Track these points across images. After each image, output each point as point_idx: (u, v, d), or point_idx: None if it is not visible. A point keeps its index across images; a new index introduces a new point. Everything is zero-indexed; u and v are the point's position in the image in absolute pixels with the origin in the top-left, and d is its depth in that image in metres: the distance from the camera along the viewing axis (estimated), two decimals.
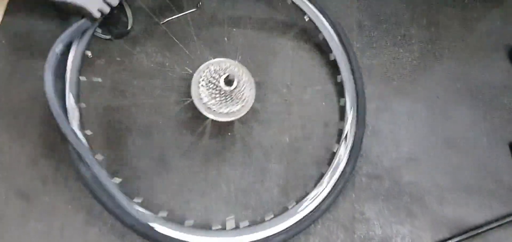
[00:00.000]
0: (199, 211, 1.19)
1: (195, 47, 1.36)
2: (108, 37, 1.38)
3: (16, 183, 1.19)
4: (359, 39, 1.43)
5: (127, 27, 1.40)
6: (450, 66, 1.41)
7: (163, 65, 1.36)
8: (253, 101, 1.22)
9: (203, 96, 1.19)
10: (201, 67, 1.23)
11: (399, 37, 1.45)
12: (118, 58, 1.36)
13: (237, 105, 1.19)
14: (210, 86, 1.20)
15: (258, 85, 1.33)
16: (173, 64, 1.35)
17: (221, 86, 1.18)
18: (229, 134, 1.28)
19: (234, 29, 1.42)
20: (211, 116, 1.18)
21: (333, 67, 1.35)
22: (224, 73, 1.19)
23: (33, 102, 1.28)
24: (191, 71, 1.25)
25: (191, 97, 1.19)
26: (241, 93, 1.21)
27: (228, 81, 1.18)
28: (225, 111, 1.18)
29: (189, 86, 1.20)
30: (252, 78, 1.24)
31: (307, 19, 1.34)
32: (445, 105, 1.34)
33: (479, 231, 1.18)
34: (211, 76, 1.21)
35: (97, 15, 1.22)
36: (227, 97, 1.19)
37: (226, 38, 1.39)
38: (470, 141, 1.30)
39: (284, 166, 1.25)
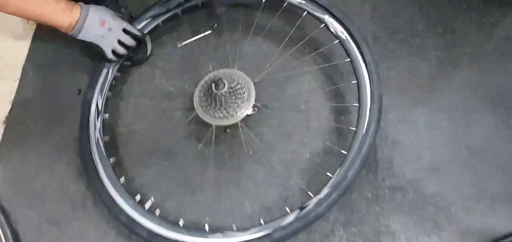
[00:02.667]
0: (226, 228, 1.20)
1: (211, 67, 1.39)
2: (128, 63, 1.42)
3: (47, 210, 1.23)
4: (375, 51, 1.43)
5: (147, 52, 1.44)
6: (469, 73, 1.40)
7: (183, 88, 1.39)
8: (253, 101, 1.23)
9: (203, 105, 1.23)
10: (201, 81, 1.27)
11: (415, 46, 1.45)
12: (138, 83, 1.40)
13: (237, 107, 1.21)
14: (206, 94, 1.22)
15: (277, 101, 1.36)
16: (192, 85, 1.38)
17: (213, 90, 1.19)
18: (250, 152, 1.29)
19: (250, 48, 1.44)
20: (213, 122, 1.22)
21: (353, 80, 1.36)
22: (215, 78, 1.21)
23: (60, 130, 1.33)
24: None
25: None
26: (237, 94, 1.22)
27: (218, 85, 1.19)
28: (225, 115, 1.21)
29: None
30: (249, 80, 1.26)
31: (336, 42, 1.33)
32: (466, 113, 1.33)
33: (509, 239, 1.16)
34: (206, 85, 1.24)
35: (110, 55, 1.27)
36: (222, 101, 1.21)
37: (229, 57, 1.41)
38: (494, 148, 1.28)
39: (306, 182, 1.26)
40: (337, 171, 1.15)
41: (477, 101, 1.35)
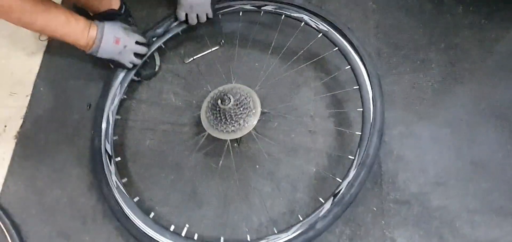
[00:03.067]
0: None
1: (218, 82, 1.42)
2: (137, 79, 1.45)
3: (57, 224, 1.25)
4: (379, 67, 1.46)
5: (155, 68, 1.47)
6: (472, 88, 1.43)
7: (191, 102, 1.41)
8: (259, 112, 1.26)
9: (212, 123, 1.25)
10: (204, 103, 1.30)
11: (418, 62, 1.47)
12: (147, 99, 1.43)
13: (243, 120, 1.24)
14: (213, 109, 1.25)
15: (283, 116, 1.38)
16: (200, 99, 1.41)
17: (219, 106, 1.22)
18: (257, 166, 1.31)
19: (256, 64, 1.47)
20: (226, 137, 1.24)
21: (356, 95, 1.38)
22: (220, 95, 1.24)
23: (70, 145, 1.35)
24: None
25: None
26: (243, 108, 1.25)
27: (223, 100, 1.22)
28: (237, 127, 1.23)
29: None
30: (253, 92, 1.29)
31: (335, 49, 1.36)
32: (470, 128, 1.35)
33: None
34: (212, 101, 1.27)
35: (129, 66, 1.32)
36: (228, 115, 1.23)
37: (232, 71, 1.44)
38: (498, 162, 1.30)
39: (312, 196, 1.28)
40: (357, 151, 1.19)
41: (480, 115, 1.37)
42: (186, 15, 1.37)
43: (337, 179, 1.23)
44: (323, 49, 1.42)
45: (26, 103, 1.43)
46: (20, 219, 1.26)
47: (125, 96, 1.41)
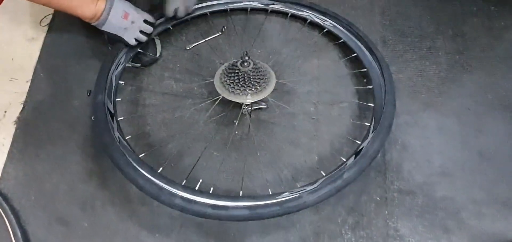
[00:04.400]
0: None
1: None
2: (138, 65, 1.43)
3: (56, 211, 1.24)
4: (384, 54, 1.43)
5: (156, 54, 1.45)
6: (480, 77, 1.39)
7: (192, 89, 1.39)
8: (274, 82, 1.26)
9: (225, 84, 1.25)
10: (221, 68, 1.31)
11: (425, 50, 1.44)
12: (147, 85, 1.41)
13: (260, 85, 1.24)
14: (230, 73, 1.25)
15: (286, 103, 1.36)
16: (201, 87, 1.39)
17: (239, 67, 1.23)
18: (258, 153, 1.29)
19: (259, 51, 1.45)
20: (240, 100, 1.24)
21: (361, 84, 1.36)
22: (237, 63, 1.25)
23: (70, 131, 1.34)
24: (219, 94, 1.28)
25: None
26: (261, 74, 1.25)
27: (244, 63, 1.24)
28: (255, 91, 1.23)
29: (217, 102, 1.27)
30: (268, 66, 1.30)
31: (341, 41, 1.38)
32: (477, 118, 1.32)
33: None
34: (231, 65, 1.27)
35: (133, 43, 1.31)
36: (246, 77, 1.23)
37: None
38: (506, 153, 1.27)
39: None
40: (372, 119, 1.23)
41: (488, 105, 1.34)
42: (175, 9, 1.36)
43: (356, 141, 1.25)
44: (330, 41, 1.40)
45: (26, 89, 1.41)
46: (19, 205, 1.24)
47: (129, 65, 1.40)
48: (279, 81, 1.32)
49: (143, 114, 1.36)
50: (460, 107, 1.34)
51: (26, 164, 1.31)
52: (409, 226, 1.19)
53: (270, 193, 1.13)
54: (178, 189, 1.08)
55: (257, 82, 1.24)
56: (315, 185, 1.10)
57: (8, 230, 1.20)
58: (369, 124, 1.24)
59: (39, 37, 1.52)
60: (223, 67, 1.29)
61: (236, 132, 1.32)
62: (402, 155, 1.28)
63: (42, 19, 1.54)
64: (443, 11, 1.51)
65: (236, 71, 1.24)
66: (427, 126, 1.32)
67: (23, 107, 1.39)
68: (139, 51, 1.40)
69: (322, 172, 1.20)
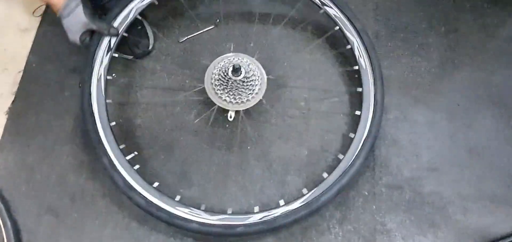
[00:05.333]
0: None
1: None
2: (130, 57, 1.43)
3: (46, 200, 1.24)
4: (376, 49, 1.43)
5: (148, 46, 1.45)
6: (471, 73, 1.40)
7: (183, 82, 1.39)
8: (265, 74, 1.27)
9: (215, 86, 1.24)
10: (215, 60, 1.29)
11: (417, 45, 1.44)
12: (140, 78, 1.41)
13: (255, 86, 1.24)
14: (221, 77, 1.24)
15: (277, 97, 1.36)
16: (193, 80, 1.39)
17: (230, 76, 1.22)
18: (249, 147, 1.30)
19: (252, 44, 1.45)
20: (222, 105, 1.24)
21: (352, 78, 1.36)
22: (228, 67, 1.24)
23: (62, 122, 1.34)
24: None
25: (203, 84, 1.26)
26: (252, 73, 1.25)
27: (235, 71, 1.22)
28: (250, 96, 1.24)
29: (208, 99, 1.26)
30: (251, 58, 1.29)
31: (336, 28, 1.36)
32: (467, 114, 1.33)
33: (506, 241, 1.16)
34: (221, 68, 1.26)
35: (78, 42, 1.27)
36: (236, 85, 1.23)
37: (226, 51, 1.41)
38: (494, 149, 1.27)
39: (303, 179, 1.26)
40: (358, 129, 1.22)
41: (478, 102, 1.34)
42: None
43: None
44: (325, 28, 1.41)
45: (18, 80, 1.42)
46: (10, 195, 1.25)
47: (120, 56, 1.39)
48: (270, 77, 1.32)
49: (135, 107, 1.37)
50: (450, 103, 1.35)
51: (17, 154, 1.31)
52: (396, 220, 1.20)
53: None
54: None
55: (247, 92, 1.24)
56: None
57: None
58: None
59: (32, 27, 1.52)
60: (213, 68, 1.27)
61: (227, 125, 1.33)
62: (391, 150, 1.29)
63: (36, 9, 1.54)
64: (436, 8, 1.51)
65: (227, 79, 1.23)
66: (416, 121, 1.33)
67: (15, 98, 1.39)
68: (130, 43, 1.40)
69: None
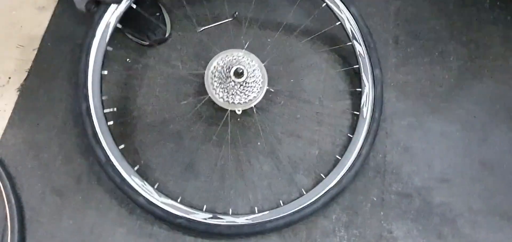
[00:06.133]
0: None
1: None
2: (146, 43, 1.42)
3: (52, 180, 1.24)
4: (395, 54, 1.41)
5: (165, 34, 1.44)
6: (489, 86, 1.36)
7: (198, 72, 1.38)
8: (266, 84, 1.23)
9: (218, 91, 1.22)
10: (211, 62, 1.25)
11: (437, 53, 1.41)
12: (154, 65, 1.40)
13: (251, 93, 1.22)
14: (221, 75, 1.22)
15: (290, 97, 1.34)
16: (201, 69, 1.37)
17: (232, 79, 1.20)
18: (259, 143, 1.28)
19: (269, 39, 1.43)
20: (228, 107, 1.22)
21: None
22: (233, 66, 1.21)
23: (72, 103, 1.34)
24: None
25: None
26: (254, 79, 1.23)
27: (238, 74, 1.20)
28: (242, 101, 1.21)
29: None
30: (262, 66, 1.26)
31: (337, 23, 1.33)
32: (482, 127, 1.30)
33: None
34: (222, 70, 1.24)
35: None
36: (239, 87, 1.21)
37: (247, 45, 1.40)
38: (507, 165, 1.24)
39: (312, 179, 1.24)
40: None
41: (495, 115, 1.31)
42: None
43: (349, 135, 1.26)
44: (340, 36, 1.38)
45: (32, 57, 1.42)
46: (16, 172, 1.25)
47: (137, 41, 1.39)
48: (271, 90, 1.31)
49: (144, 96, 1.36)
50: (467, 115, 1.32)
51: (26, 132, 1.31)
52: (404, 229, 1.17)
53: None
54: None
55: (246, 94, 1.22)
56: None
57: (2, 194, 1.21)
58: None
59: (50, 6, 1.52)
60: (215, 63, 1.25)
61: (238, 119, 1.31)
62: (403, 157, 1.26)
63: None
64: (458, 16, 1.47)
65: (229, 80, 1.21)
66: (430, 130, 1.30)
67: (28, 75, 1.39)
68: (147, 29, 1.40)
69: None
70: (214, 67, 1.24)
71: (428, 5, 1.51)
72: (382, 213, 1.19)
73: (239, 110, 1.23)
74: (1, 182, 1.22)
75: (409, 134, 1.29)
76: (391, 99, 1.34)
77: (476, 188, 1.21)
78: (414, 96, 1.35)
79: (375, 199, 1.21)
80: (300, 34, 1.43)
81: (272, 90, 1.32)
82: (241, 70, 1.20)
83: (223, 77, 1.22)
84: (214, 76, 1.24)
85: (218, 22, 1.47)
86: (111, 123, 1.19)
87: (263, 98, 1.23)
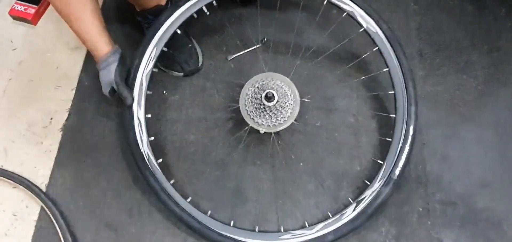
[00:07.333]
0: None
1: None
2: (180, 74, 1.47)
3: (104, 216, 1.27)
4: (421, 67, 1.46)
5: (198, 64, 1.48)
6: None
7: (233, 99, 1.42)
8: (299, 102, 1.25)
9: (249, 110, 1.25)
10: (241, 93, 1.28)
11: (462, 63, 1.47)
12: (190, 95, 1.44)
13: (283, 115, 1.24)
14: (254, 101, 1.25)
15: (326, 115, 1.38)
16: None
17: (263, 102, 1.22)
18: (301, 164, 1.32)
19: (298, 62, 1.47)
20: (259, 128, 1.25)
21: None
22: (264, 90, 1.23)
23: (115, 138, 1.37)
24: None
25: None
26: (285, 105, 1.24)
27: (268, 98, 1.21)
28: (273, 123, 1.24)
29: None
30: (291, 82, 1.28)
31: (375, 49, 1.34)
32: None
33: None
34: (255, 93, 1.26)
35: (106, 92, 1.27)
36: (270, 111, 1.24)
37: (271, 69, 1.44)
38: None
39: (356, 194, 1.28)
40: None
41: None
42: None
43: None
44: (365, 50, 1.42)
45: (71, 97, 1.45)
46: (68, 210, 1.28)
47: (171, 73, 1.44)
48: (305, 100, 1.35)
49: (186, 124, 1.40)
50: (498, 120, 1.37)
51: (73, 170, 1.34)
52: (452, 236, 1.21)
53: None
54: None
55: (279, 115, 1.24)
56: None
57: (58, 234, 1.24)
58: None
59: (82, 45, 1.55)
60: (246, 90, 1.28)
61: (279, 142, 1.35)
62: (442, 166, 1.31)
63: None
64: (477, 26, 1.53)
65: (261, 105, 1.23)
66: (465, 138, 1.35)
67: (69, 114, 1.43)
68: (180, 60, 1.44)
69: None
70: (245, 97, 1.27)
71: (446, 17, 1.57)
72: (429, 222, 1.23)
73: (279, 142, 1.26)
74: (56, 221, 1.24)
75: (445, 143, 1.34)
76: (423, 111, 1.38)
77: None
78: (445, 106, 1.40)
79: (420, 209, 1.25)
80: (331, 56, 1.47)
81: (306, 99, 1.36)
82: (271, 94, 1.21)
83: (257, 104, 1.25)
84: (248, 105, 1.26)
85: (247, 49, 1.52)
86: (160, 160, 1.26)
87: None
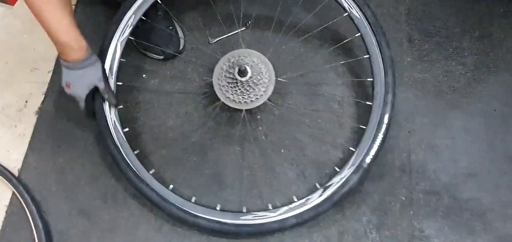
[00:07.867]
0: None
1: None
2: (161, 57, 1.42)
3: (78, 202, 1.23)
4: (410, 53, 1.42)
5: (179, 47, 1.44)
6: (506, 78, 1.37)
7: (208, 81, 1.38)
8: (274, 81, 1.22)
9: (222, 84, 1.23)
10: (216, 67, 1.25)
11: (451, 50, 1.42)
12: (170, 78, 1.40)
13: (256, 93, 1.21)
14: (227, 76, 1.23)
15: (310, 101, 1.34)
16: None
17: (237, 77, 1.20)
18: (282, 151, 1.28)
19: (283, 46, 1.43)
20: (243, 107, 1.22)
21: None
22: (238, 65, 1.21)
23: (91, 123, 1.32)
24: None
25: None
26: (259, 82, 1.22)
27: (241, 72, 1.20)
28: (245, 99, 1.21)
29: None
30: (271, 68, 1.24)
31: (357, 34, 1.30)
32: (503, 119, 1.30)
33: None
34: (229, 67, 1.24)
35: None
36: (242, 86, 1.21)
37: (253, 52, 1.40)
38: None
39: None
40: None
41: None
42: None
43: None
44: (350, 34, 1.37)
45: (48, 79, 1.41)
46: (40, 196, 1.24)
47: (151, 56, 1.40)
48: (280, 79, 1.31)
49: (165, 108, 1.36)
50: (486, 108, 1.33)
51: (47, 155, 1.30)
52: (435, 226, 1.18)
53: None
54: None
55: (252, 92, 1.21)
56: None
57: (29, 220, 1.20)
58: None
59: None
60: (220, 65, 1.25)
61: (260, 128, 1.31)
62: (427, 155, 1.27)
63: None
64: (469, 12, 1.48)
65: (233, 80, 1.21)
66: (452, 126, 1.31)
67: (45, 97, 1.39)
68: (160, 43, 1.39)
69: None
70: (219, 71, 1.24)
71: (438, 2, 1.52)
72: (412, 212, 1.19)
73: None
74: (27, 207, 1.21)
75: (431, 131, 1.30)
76: (410, 98, 1.34)
77: (503, 181, 1.22)
78: (433, 94, 1.36)
79: (403, 198, 1.21)
80: (317, 43, 1.43)
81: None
82: (243, 68, 1.19)
83: (230, 79, 1.23)
84: (221, 80, 1.24)
85: (230, 32, 1.47)
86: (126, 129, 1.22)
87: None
